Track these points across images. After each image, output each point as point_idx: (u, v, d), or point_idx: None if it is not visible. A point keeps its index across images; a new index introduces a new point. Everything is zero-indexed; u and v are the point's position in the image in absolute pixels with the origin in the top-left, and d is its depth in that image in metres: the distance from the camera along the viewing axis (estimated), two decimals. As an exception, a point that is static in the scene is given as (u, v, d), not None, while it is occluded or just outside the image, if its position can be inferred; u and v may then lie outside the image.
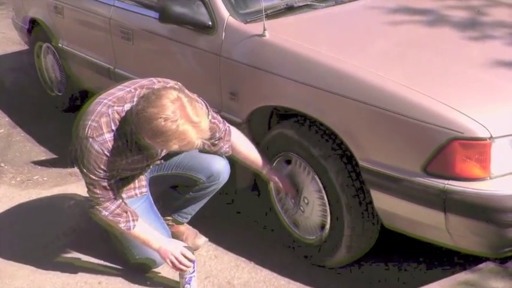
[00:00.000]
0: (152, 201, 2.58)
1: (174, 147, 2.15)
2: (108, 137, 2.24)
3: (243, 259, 2.66)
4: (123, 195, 2.45)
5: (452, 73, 2.27)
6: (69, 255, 2.73)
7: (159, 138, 2.12)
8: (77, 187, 3.25)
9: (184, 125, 2.10)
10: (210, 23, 2.73)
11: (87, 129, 2.24)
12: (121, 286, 2.53)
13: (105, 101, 2.29)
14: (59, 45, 4.00)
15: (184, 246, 2.43)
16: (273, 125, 2.70)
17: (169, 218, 2.74)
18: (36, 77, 4.60)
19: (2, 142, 4.00)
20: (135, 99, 2.25)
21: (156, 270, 2.58)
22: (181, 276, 2.42)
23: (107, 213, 2.34)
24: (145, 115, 2.10)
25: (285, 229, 2.69)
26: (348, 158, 2.31)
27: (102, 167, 2.25)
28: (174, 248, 2.40)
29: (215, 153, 2.53)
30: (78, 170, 2.40)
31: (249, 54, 2.61)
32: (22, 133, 4.12)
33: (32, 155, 3.79)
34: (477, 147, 1.99)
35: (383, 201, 2.23)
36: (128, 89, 2.32)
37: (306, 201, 2.53)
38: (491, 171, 2.01)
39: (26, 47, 4.97)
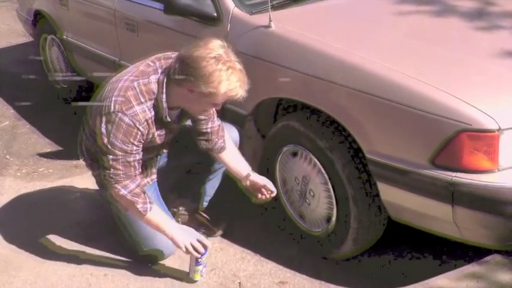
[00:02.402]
0: (158, 191, 2.57)
1: (222, 93, 2.11)
2: (139, 109, 2.21)
3: (249, 251, 2.65)
4: None
5: (460, 64, 2.25)
6: (74, 247, 2.73)
7: (211, 79, 2.09)
8: (82, 179, 3.25)
9: (235, 66, 2.13)
10: (216, 15, 2.72)
11: (114, 104, 2.20)
12: (127, 278, 2.53)
13: (125, 77, 2.27)
14: (64, 37, 4.00)
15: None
16: (279, 117, 2.69)
17: (183, 207, 2.74)
18: (41, 69, 4.60)
19: (7, 134, 4.01)
20: (159, 70, 2.25)
21: (162, 262, 2.57)
22: (196, 261, 2.41)
23: (126, 192, 2.27)
24: (195, 55, 2.09)
25: (291, 221, 2.68)
26: (354, 150, 2.30)
27: (131, 140, 2.22)
28: (190, 234, 2.38)
29: (211, 150, 2.53)
30: (94, 151, 2.36)
31: (255, 45, 2.60)
32: (27, 125, 4.12)
33: (37, 147, 3.79)
34: (485, 139, 1.98)
35: (390, 194, 2.22)
36: (146, 63, 2.30)
37: (312, 193, 2.52)
38: (500, 163, 2.00)
39: (30, 39, 4.97)
